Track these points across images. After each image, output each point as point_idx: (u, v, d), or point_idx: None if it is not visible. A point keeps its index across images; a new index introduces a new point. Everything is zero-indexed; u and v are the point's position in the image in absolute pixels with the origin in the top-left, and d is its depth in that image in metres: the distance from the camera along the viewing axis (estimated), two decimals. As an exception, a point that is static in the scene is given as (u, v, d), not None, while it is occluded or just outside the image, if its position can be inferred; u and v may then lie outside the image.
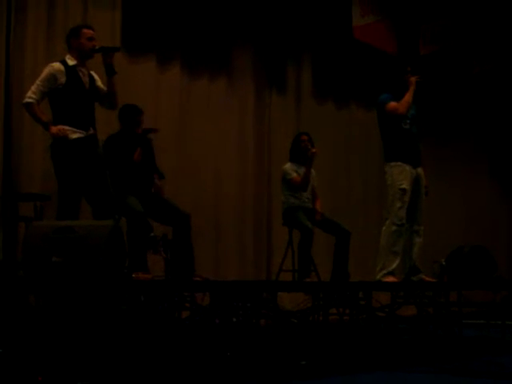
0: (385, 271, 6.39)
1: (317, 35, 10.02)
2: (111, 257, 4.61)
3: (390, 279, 6.35)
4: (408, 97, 6.57)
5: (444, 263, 7.10)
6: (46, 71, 5.62)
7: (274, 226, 9.23)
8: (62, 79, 5.57)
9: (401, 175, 6.51)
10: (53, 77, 5.57)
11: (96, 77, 5.87)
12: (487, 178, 12.24)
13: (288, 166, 7.61)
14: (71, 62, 5.67)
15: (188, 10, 8.74)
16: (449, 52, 10.74)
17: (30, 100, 5.55)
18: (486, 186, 12.13)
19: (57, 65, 5.63)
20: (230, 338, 5.47)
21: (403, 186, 6.48)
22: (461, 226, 11.30)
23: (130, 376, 4.36)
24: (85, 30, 5.75)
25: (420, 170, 6.72)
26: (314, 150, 7.45)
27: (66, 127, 5.53)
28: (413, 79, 6.62)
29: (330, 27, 9.94)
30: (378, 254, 6.56)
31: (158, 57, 8.56)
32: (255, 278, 9.03)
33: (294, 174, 7.50)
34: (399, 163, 6.53)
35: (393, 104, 6.56)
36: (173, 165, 8.23)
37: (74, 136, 5.56)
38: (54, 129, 5.49)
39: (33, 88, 5.58)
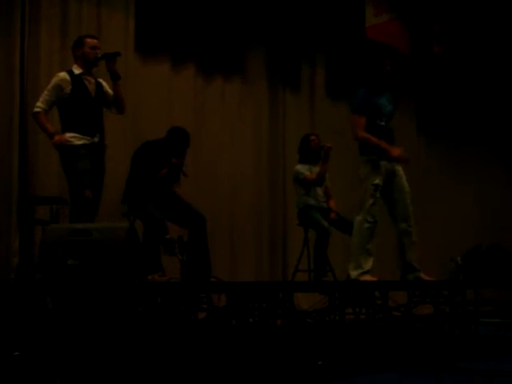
0: (361, 270, 6.23)
1: (330, 35, 10.02)
2: (127, 259, 4.63)
3: (368, 278, 6.21)
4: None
5: (460, 261, 7.07)
6: (52, 81, 5.90)
7: (289, 226, 9.23)
8: (68, 88, 5.83)
9: (374, 171, 6.32)
10: (59, 86, 5.84)
11: (104, 83, 6.09)
12: (503, 175, 12.20)
13: (299, 166, 7.65)
14: (77, 71, 5.91)
15: (201, 11, 8.76)
16: (462, 50, 10.71)
17: (37, 109, 5.83)
18: (503, 184, 12.08)
19: (62, 74, 5.90)
20: (246, 339, 5.49)
21: (376, 182, 6.29)
22: (477, 224, 11.25)
23: (146, 377, 4.38)
24: (88, 40, 6.00)
25: (397, 165, 6.46)
26: (329, 145, 7.46)
27: (72, 134, 5.78)
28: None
29: (343, 27, 9.94)
30: (350, 252, 6.37)
31: (172, 59, 8.57)
32: (271, 278, 9.04)
33: (307, 173, 7.53)
34: (374, 157, 6.33)
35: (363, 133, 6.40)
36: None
37: (80, 142, 5.78)
38: (56, 138, 5.77)
39: (41, 98, 5.86)
